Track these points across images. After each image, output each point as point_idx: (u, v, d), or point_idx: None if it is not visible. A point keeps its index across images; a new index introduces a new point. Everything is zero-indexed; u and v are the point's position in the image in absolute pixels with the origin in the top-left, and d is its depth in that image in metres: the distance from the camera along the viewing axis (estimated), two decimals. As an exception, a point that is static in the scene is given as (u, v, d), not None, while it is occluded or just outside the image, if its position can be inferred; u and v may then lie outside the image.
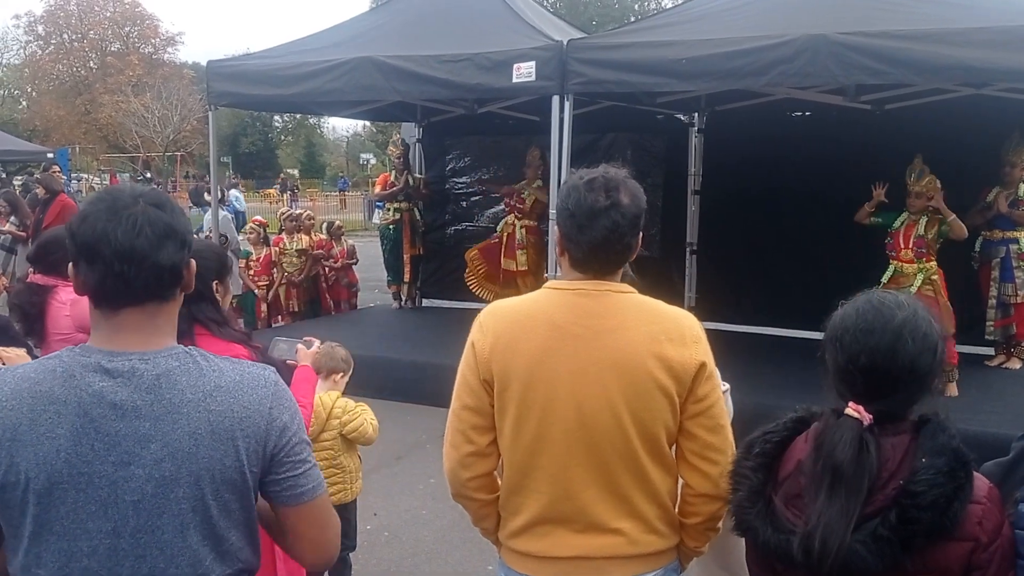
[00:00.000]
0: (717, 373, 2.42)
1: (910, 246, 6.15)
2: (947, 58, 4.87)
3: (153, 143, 40.50)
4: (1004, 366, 6.83)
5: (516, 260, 7.99)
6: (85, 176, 41.52)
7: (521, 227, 8.02)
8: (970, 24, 4.94)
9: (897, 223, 6.27)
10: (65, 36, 48.46)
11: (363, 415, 3.63)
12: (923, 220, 6.15)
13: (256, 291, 8.93)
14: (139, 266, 1.43)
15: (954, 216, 6.05)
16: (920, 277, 6.09)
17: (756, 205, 7.92)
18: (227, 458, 1.44)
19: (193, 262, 1.56)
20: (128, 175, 43.43)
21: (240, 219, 19.12)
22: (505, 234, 8.06)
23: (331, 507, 1.65)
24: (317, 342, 2.98)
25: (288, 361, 2.84)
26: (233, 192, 25.32)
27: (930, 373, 1.62)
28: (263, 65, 7.37)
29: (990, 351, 7.03)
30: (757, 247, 8.01)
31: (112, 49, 48.49)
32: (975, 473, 1.59)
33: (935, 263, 6.14)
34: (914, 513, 1.50)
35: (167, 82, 41.13)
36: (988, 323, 6.80)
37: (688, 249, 8.80)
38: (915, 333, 1.59)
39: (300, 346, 2.89)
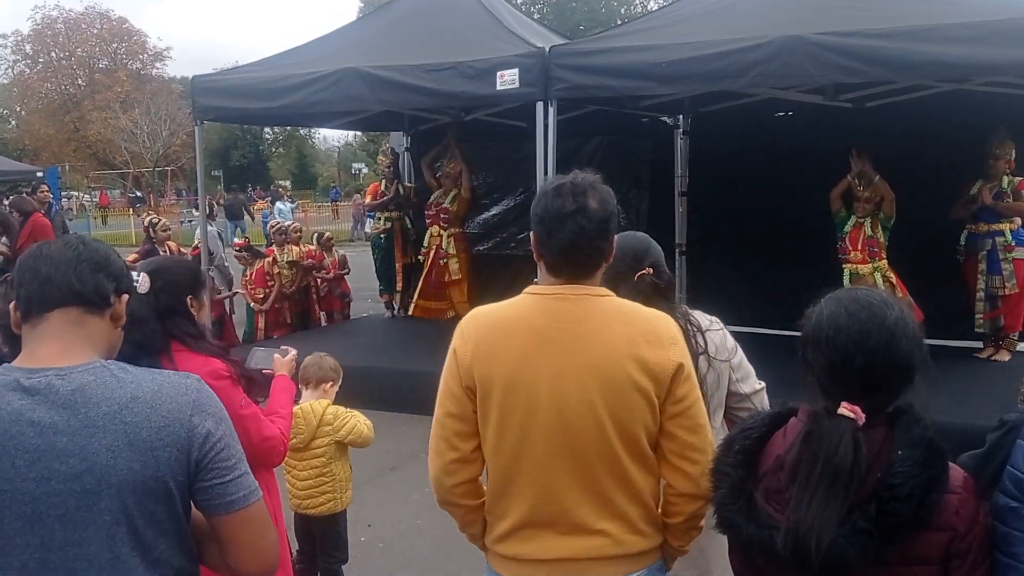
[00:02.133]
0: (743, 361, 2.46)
1: (859, 248, 6.54)
2: (922, 55, 4.92)
3: (143, 159, 40.46)
4: (993, 358, 6.85)
5: (449, 270, 7.87)
6: (75, 194, 41.56)
7: (448, 236, 7.89)
8: (946, 20, 4.98)
9: (847, 227, 6.66)
10: (53, 54, 48.38)
11: (355, 418, 3.67)
12: (868, 221, 6.56)
13: (253, 304, 8.93)
14: (66, 270, 1.53)
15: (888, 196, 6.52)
16: (878, 276, 6.43)
17: (743, 205, 7.97)
18: (147, 469, 1.47)
19: (126, 297, 1.63)
20: (119, 191, 43.45)
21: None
22: (433, 247, 7.89)
23: (268, 517, 1.66)
24: (293, 351, 3.01)
25: (265, 371, 2.86)
26: (279, 205, 25.10)
27: (916, 368, 1.65)
28: (248, 79, 7.40)
29: (979, 344, 7.07)
30: (745, 246, 8.06)
31: (100, 66, 48.43)
32: (951, 463, 1.62)
33: (886, 261, 6.53)
34: (893, 505, 1.53)
35: (155, 97, 41.08)
36: (977, 316, 6.84)
37: (677, 250, 8.83)
38: (907, 331, 1.62)
39: (276, 355, 2.92)
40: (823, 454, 1.58)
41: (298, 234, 9.72)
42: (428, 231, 7.97)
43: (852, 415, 1.59)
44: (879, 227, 6.54)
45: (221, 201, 27.10)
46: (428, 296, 7.94)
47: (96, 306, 1.56)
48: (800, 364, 1.71)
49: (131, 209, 32.98)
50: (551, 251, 1.93)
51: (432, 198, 8.01)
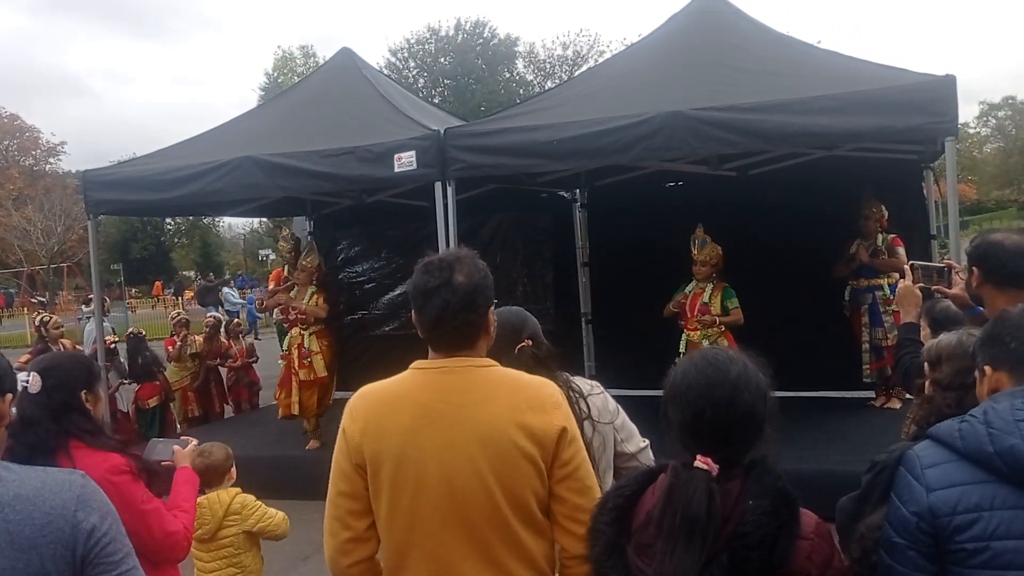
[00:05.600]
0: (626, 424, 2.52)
1: (695, 313, 6.56)
2: (791, 126, 5.26)
3: (37, 256, 38.92)
4: (886, 407, 7.14)
5: (313, 369, 7.42)
6: (-33, 297, 39.46)
7: (310, 335, 7.47)
8: (809, 93, 5.36)
9: (687, 290, 6.70)
10: (-59, 155, 46.63)
11: (267, 510, 3.62)
12: (708, 288, 6.62)
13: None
14: None
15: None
16: (705, 343, 6.39)
17: (641, 272, 8.22)
18: (31, 567, 1.45)
19: (10, 397, 1.63)
20: (14, 292, 41.51)
21: (250, 315, 19.06)
22: (294, 346, 7.48)
23: None
24: (194, 441, 2.98)
25: (164, 462, 2.80)
26: (226, 291, 24.22)
27: (764, 420, 1.74)
28: (142, 171, 7.31)
29: (871, 394, 7.39)
30: (647, 312, 8.25)
31: (-9, 165, 46.85)
32: (803, 510, 1.71)
33: (717, 329, 6.53)
34: (743, 553, 1.60)
35: (49, 193, 39.80)
36: (864, 367, 7.18)
37: (584, 319, 9.02)
38: (749, 384, 1.73)
39: (176, 447, 2.87)
40: (681, 506, 1.65)
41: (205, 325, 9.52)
42: (288, 334, 7.68)
43: (706, 467, 1.67)
44: (719, 296, 6.58)
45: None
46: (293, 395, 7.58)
47: None
48: (662, 421, 1.79)
49: (24, 308, 31.57)
50: (422, 326, 1.99)
51: (292, 299, 7.61)
